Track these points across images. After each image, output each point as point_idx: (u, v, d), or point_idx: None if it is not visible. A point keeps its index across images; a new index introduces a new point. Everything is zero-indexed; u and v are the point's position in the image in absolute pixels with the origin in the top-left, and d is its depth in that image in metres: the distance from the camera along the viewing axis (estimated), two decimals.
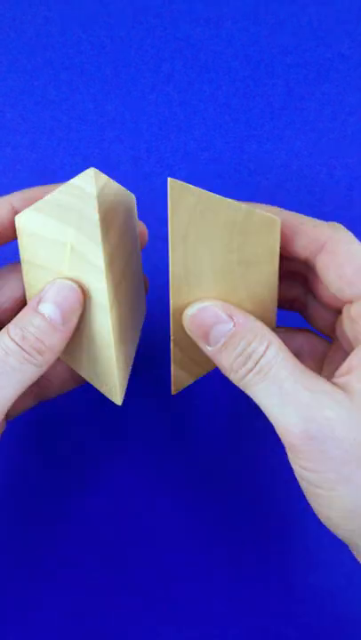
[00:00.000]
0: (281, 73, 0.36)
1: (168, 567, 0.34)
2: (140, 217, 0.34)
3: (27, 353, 0.22)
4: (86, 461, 0.34)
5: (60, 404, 0.34)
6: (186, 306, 0.23)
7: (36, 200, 0.25)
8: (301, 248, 0.24)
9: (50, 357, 0.23)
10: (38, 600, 0.33)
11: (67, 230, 0.23)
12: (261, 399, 0.22)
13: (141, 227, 0.29)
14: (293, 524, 0.34)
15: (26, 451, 0.34)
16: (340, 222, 0.26)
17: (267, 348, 0.22)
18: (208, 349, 0.23)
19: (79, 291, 0.23)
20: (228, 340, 0.22)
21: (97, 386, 0.26)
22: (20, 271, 0.26)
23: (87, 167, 0.35)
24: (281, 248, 0.25)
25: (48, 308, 0.23)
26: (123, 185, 0.27)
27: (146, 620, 0.33)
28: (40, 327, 0.22)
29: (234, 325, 0.22)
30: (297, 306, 0.29)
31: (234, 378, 0.23)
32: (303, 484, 0.22)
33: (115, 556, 0.34)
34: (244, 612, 0.33)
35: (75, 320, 0.23)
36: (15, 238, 0.26)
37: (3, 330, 0.23)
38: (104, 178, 0.23)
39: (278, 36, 0.36)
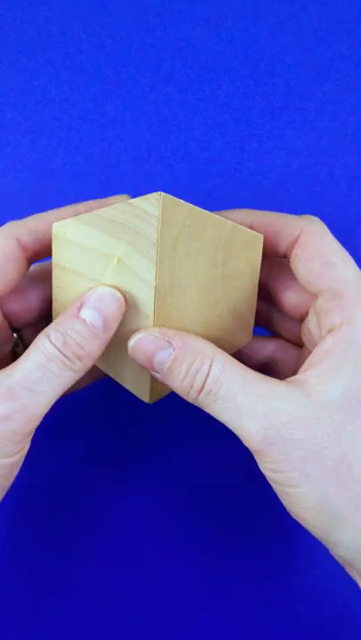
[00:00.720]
0: (281, 73, 0.36)
1: (166, 566, 0.34)
2: None
3: (67, 359, 0.22)
4: (93, 464, 0.34)
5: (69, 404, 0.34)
6: (167, 318, 0.24)
7: (41, 231, 0.25)
8: (278, 243, 0.25)
9: (88, 363, 0.23)
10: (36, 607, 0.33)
11: (116, 244, 0.23)
12: (219, 416, 0.22)
13: None
14: (293, 524, 0.34)
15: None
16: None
17: (210, 367, 0.22)
18: (157, 376, 0.23)
19: (122, 299, 0.23)
20: (171, 365, 0.22)
21: (127, 385, 0.26)
22: (46, 273, 0.27)
23: (87, 167, 0.36)
24: (265, 245, 0.25)
25: (90, 315, 0.23)
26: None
27: (144, 619, 0.33)
28: (81, 333, 0.22)
29: (174, 350, 0.22)
30: (262, 320, 0.30)
31: (188, 399, 0.23)
32: (273, 485, 0.23)
33: (114, 556, 0.34)
34: (245, 612, 0.33)
35: (115, 327, 0.23)
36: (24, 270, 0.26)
37: (42, 334, 0.23)
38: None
39: (278, 35, 0.36)
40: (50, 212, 0.26)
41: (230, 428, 0.22)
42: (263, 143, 0.36)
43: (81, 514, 0.34)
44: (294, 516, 0.23)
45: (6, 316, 0.27)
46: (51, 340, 0.22)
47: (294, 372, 0.28)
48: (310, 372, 0.22)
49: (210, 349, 0.22)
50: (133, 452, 0.34)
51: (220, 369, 0.22)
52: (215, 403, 0.22)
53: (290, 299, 0.26)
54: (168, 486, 0.34)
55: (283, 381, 0.22)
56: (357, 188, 0.36)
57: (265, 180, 0.36)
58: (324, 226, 0.24)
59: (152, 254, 0.22)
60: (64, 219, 0.25)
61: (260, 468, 0.22)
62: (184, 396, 0.23)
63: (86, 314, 0.23)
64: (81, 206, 0.26)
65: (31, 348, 0.23)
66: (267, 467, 0.22)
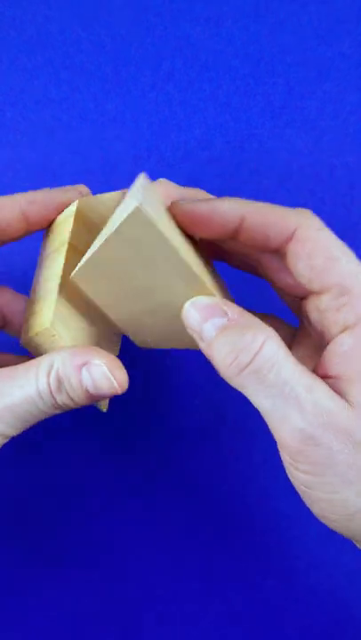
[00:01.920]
0: (281, 72, 0.36)
1: (166, 566, 0.34)
2: None
3: (56, 403, 0.22)
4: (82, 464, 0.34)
5: None
6: None
7: (44, 203, 0.25)
8: (272, 238, 0.23)
9: (69, 409, 0.23)
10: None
11: None
12: (260, 401, 0.20)
13: None
14: (293, 524, 0.34)
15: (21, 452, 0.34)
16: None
17: (263, 343, 0.20)
18: (202, 346, 0.22)
19: (117, 388, 0.22)
20: (219, 334, 0.21)
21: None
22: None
23: (87, 167, 0.36)
24: (253, 241, 0.24)
25: (88, 381, 0.22)
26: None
27: (144, 619, 0.33)
28: (75, 389, 0.22)
29: (228, 320, 0.21)
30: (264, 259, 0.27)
31: (227, 376, 0.21)
32: (302, 489, 0.21)
33: (114, 550, 0.34)
34: (245, 612, 0.33)
35: (99, 400, 0.23)
36: (18, 238, 0.26)
37: (45, 364, 0.22)
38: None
39: (279, 34, 0.36)
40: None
41: (268, 418, 0.20)
42: (263, 143, 0.36)
43: (78, 514, 0.34)
44: (323, 520, 0.22)
45: None
46: (48, 380, 0.22)
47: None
48: (342, 373, 0.21)
49: (266, 327, 0.21)
50: (132, 451, 0.34)
51: (274, 349, 0.20)
52: (260, 385, 0.20)
53: (288, 282, 0.25)
54: (166, 486, 0.34)
55: (325, 382, 0.21)
56: (358, 188, 0.36)
57: (265, 180, 0.36)
58: (319, 219, 0.23)
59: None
60: (31, 201, 0.25)
61: (291, 469, 0.21)
62: (223, 372, 0.21)
63: (85, 377, 0.22)
64: (36, 196, 0.26)
65: (29, 371, 0.22)
66: (302, 468, 0.20)
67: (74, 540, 0.34)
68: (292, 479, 0.22)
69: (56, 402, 0.22)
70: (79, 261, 0.22)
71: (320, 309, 0.23)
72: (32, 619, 0.33)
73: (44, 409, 0.22)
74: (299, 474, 0.21)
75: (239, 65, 0.36)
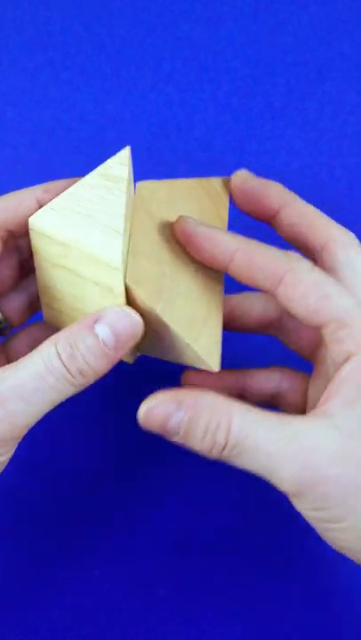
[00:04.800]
0: (281, 72, 0.36)
1: (165, 567, 0.34)
2: None
3: (70, 374, 0.21)
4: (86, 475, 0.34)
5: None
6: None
7: (11, 209, 0.25)
8: (261, 281, 0.23)
9: (90, 380, 0.22)
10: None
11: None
12: (249, 466, 0.22)
13: None
14: (293, 524, 0.34)
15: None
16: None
17: (230, 420, 0.21)
18: (176, 440, 0.22)
19: (140, 323, 0.22)
20: (187, 428, 0.21)
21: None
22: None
23: (87, 167, 0.36)
24: (244, 279, 0.24)
25: (104, 332, 0.21)
26: None
27: (144, 618, 0.33)
28: (91, 349, 0.21)
29: (185, 412, 0.21)
30: (273, 328, 0.29)
31: (211, 457, 0.22)
32: (312, 523, 0.22)
33: (115, 548, 0.34)
34: (244, 612, 0.33)
35: (126, 349, 0.22)
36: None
37: (50, 340, 0.21)
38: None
39: (279, 35, 0.36)
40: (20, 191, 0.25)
41: (262, 475, 0.22)
42: (263, 143, 0.36)
43: (80, 519, 0.34)
44: (338, 549, 0.23)
45: None
46: (57, 350, 0.21)
47: (304, 400, 0.27)
48: (333, 402, 0.21)
49: (224, 402, 0.21)
50: (134, 456, 0.35)
51: (240, 420, 0.21)
52: (242, 455, 0.21)
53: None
54: (168, 494, 0.34)
55: (307, 416, 0.22)
56: (357, 188, 0.36)
57: None
58: (307, 261, 0.23)
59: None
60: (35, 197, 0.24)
61: (298, 509, 0.22)
62: (206, 455, 0.22)
63: (100, 330, 0.21)
64: (51, 185, 0.25)
65: (35, 351, 0.21)
66: (306, 507, 0.21)
67: (73, 539, 0.34)
68: (303, 516, 0.23)
69: (70, 372, 0.21)
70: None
71: (325, 343, 0.24)
72: (31, 617, 0.33)
73: (56, 385, 0.21)
74: (306, 512, 0.22)
75: (239, 65, 0.36)
